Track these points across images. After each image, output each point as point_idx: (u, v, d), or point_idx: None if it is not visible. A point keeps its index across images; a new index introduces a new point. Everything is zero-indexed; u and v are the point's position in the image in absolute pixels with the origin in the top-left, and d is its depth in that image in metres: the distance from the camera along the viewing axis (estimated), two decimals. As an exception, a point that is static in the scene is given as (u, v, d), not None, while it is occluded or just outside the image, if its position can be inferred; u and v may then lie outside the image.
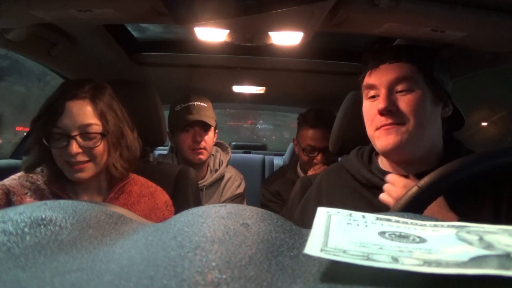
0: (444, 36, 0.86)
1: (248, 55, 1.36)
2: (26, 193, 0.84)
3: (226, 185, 1.48)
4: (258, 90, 1.81)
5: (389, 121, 0.74)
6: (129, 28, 1.27)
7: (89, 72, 1.38)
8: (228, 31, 0.92)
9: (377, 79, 0.77)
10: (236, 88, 1.79)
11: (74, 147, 0.80)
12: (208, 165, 1.48)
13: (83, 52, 1.21)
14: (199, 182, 1.40)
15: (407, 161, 0.78)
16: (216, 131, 1.49)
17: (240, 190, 1.49)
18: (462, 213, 0.68)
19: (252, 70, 1.52)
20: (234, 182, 1.49)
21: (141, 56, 1.38)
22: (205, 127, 1.39)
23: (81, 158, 0.82)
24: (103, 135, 0.84)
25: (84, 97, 0.83)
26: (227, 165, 1.52)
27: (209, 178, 1.44)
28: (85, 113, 0.82)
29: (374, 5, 0.74)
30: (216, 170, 1.47)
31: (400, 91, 0.75)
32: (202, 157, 1.38)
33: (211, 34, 0.95)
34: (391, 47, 0.92)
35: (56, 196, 0.85)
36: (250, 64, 1.46)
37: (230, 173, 1.51)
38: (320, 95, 1.83)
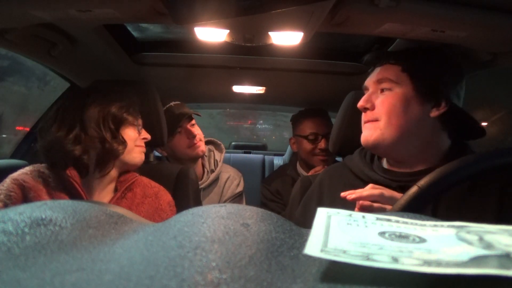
0: (444, 36, 0.86)
1: (248, 55, 1.36)
2: (41, 190, 0.85)
3: (226, 185, 1.47)
4: (258, 90, 1.80)
5: (366, 117, 0.83)
6: (129, 28, 1.27)
7: (89, 72, 1.38)
8: (228, 31, 0.92)
9: (368, 81, 0.86)
10: (236, 88, 1.79)
11: (144, 131, 1.01)
12: (203, 166, 1.47)
13: (83, 52, 1.21)
14: None
15: (397, 159, 0.81)
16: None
17: (240, 188, 1.49)
18: (465, 212, 0.68)
19: (252, 70, 1.52)
20: (234, 181, 1.49)
21: (141, 56, 1.38)
22: (190, 119, 1.42)
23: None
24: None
25: None
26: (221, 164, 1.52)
27: (206, 180, 1.44)
28: None
29: (374, 5, 0.74)
30: (212, 171, 1.47)
31: (382, 91, 0.81)
32: (202, 148, 1.41)
33: (211, 34, 0.95)
34: (382, 52, 1.01)
35: (68, 192, 0.87)
36: (250, 64, 1.46)
37: (228, 172, 1.51)
38: (320, 95, 1.83)
